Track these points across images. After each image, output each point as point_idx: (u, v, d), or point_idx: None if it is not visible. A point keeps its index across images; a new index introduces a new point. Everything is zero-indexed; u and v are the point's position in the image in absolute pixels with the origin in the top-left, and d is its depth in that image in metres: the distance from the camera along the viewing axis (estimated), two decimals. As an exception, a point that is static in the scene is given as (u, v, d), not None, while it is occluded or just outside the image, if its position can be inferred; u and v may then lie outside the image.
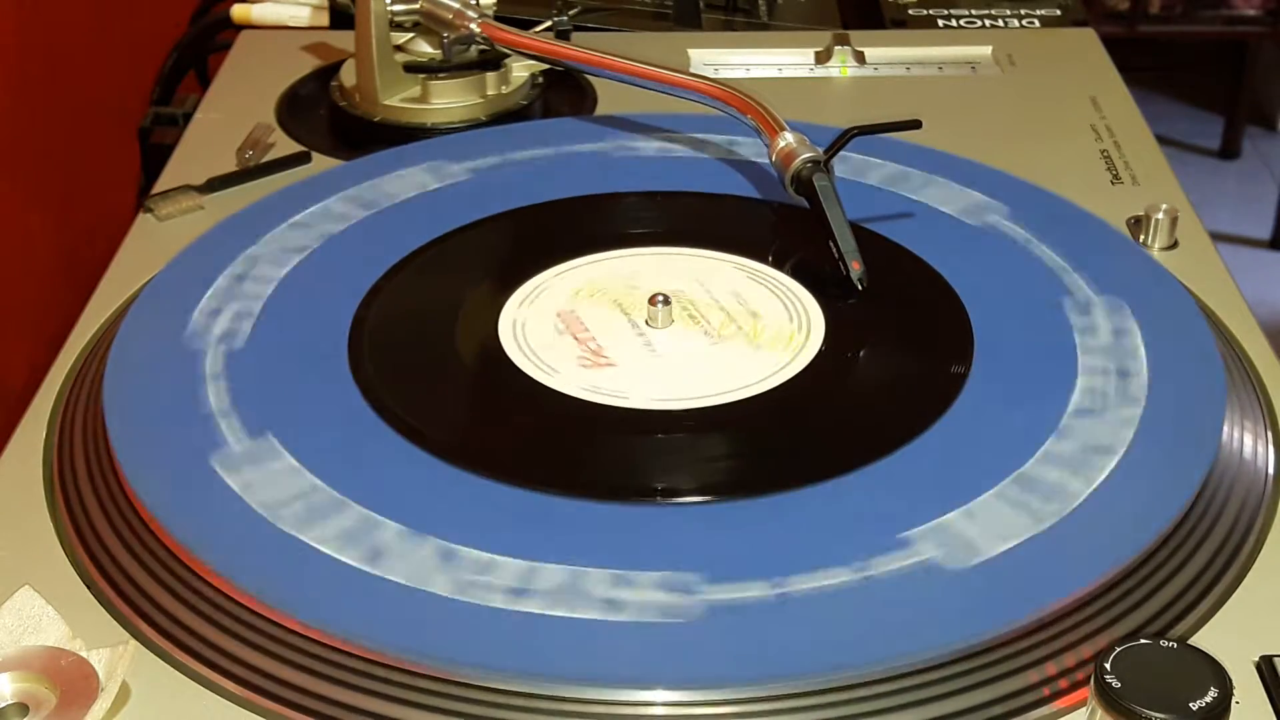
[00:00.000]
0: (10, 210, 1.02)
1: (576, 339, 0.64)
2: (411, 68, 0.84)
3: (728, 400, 0.61)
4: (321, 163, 0.81)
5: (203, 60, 1.02)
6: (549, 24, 0.89)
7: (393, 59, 0.84)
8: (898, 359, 0.64)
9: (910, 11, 1.02)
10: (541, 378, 0.62)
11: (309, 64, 0.92)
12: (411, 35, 0.85)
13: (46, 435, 0.62)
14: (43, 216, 1.05)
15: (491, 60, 0.84)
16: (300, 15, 0.94)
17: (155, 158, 0.87)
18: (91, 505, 0.57)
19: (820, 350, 0.63)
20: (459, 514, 0.54)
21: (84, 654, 0.49)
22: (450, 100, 0.84)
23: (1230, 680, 0.45)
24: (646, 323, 0.65)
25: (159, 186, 0.79)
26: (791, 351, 0.63)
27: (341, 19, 0.90)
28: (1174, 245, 0.74)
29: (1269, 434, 0.61)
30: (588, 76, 0.89)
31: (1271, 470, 0.59)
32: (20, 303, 0.98)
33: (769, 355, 0.63)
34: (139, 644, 0.51)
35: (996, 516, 0.54)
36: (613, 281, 0.69)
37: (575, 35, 0.90)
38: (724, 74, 0.93)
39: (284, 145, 0.83)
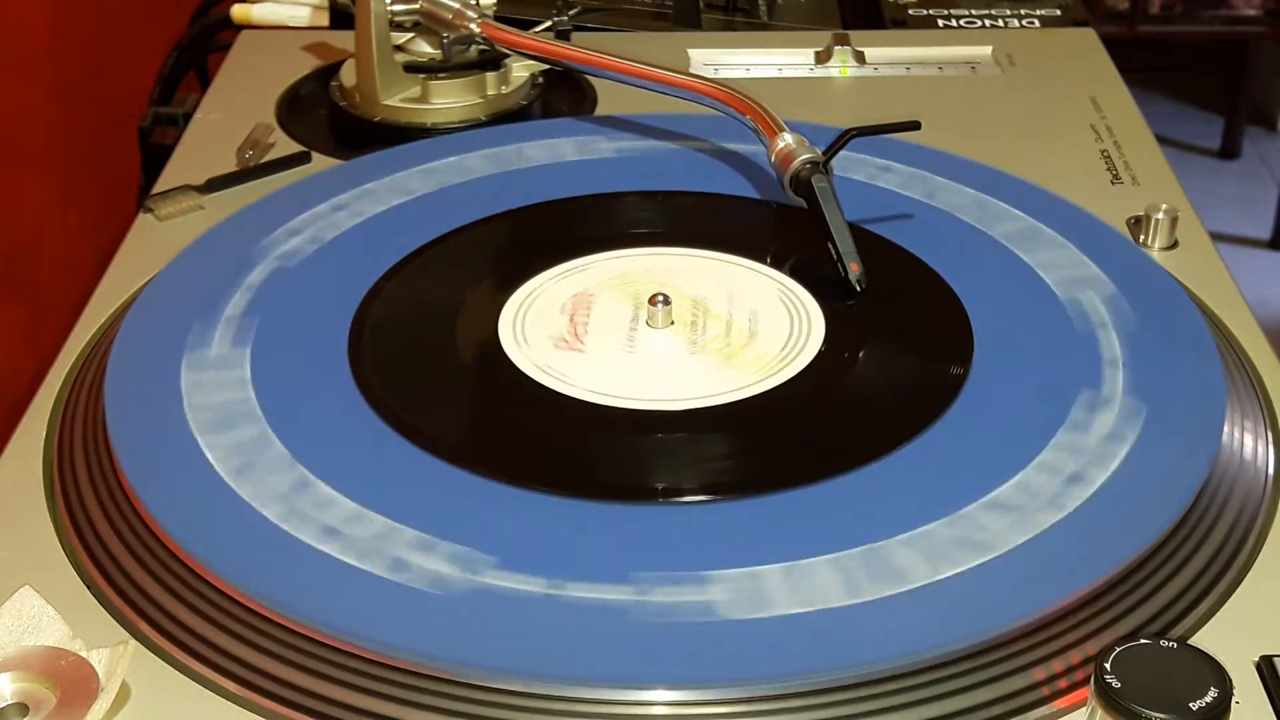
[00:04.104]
0: (49, 208, 1.03)
1: (572, 319, 0.65)
2: (411, 68, 0.84)
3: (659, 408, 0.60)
4: (321, 162, 0.81)
5: (203, 60, 1.02)
6: (549, 24, 0.89)
7: (393, 59, 0.84)
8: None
9: (910, 11, 1.02)
10: (508, 347, 0.63)
11: (309, 64, 0.92)
12: (411, 35, 0.85)
13: (46, 435, 0.62)
14: (81, 214, 1.05)
15: (491, 60, 0.84)
16: (300, 15, 0.95)
17: (155, 158, 0.87)
18: (91, 505, 0.57)
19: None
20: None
21: (84, 654, 0.49)
22: (450, 100, 0.84)
23: (1230, 680, 0.45)
24: (647, 322, 0.65)
25: (159, 186, 0.79)
26: (759, 375, 0.62)
27: (341, 19, 0.90)
28: (1174, 245, 0.74)
29: (1269, 434, 0.61)
30: (588, 76, 0.89)
31: (1271, 470, 0.59)
32: (60, 299, 0.99)
33: (736, 374, 0.62)
34: (139, 644, 0.51)
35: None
36: (645, 277, 0.69)
37: (575, 35, 0.90)
38: (724, 74, 0.93)
39: (284, 145, 0.83)
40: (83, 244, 1.05)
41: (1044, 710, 0.49)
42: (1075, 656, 0.50)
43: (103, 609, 0.53)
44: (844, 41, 0.94)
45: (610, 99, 0.87)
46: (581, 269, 0.70)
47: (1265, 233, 2.33)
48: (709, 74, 0.88)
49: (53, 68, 1.02)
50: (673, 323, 0.65)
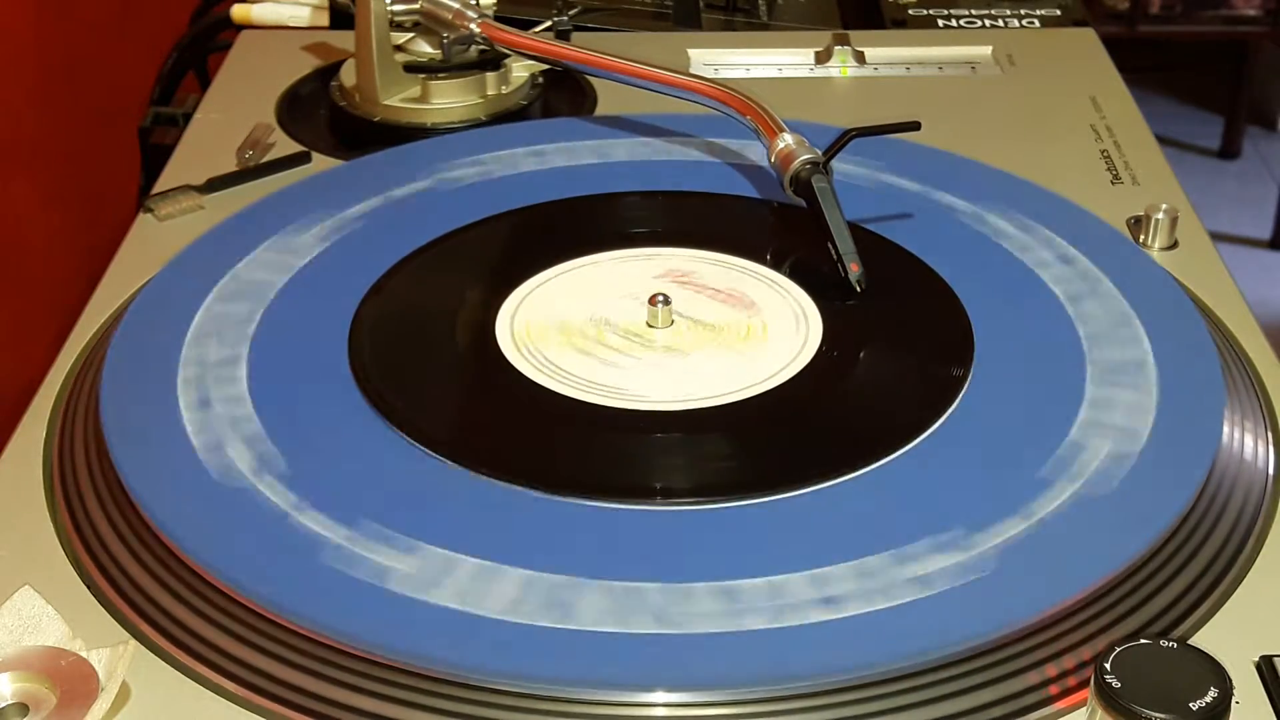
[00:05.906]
0: (32, 210, 1.03)
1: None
2: (411, 68, 0.84)
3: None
4: (321, 162, 0.81)
5: (203, 60, 1.02)
6: (549, 24, 0.89)
7: (393, 59, 0.84)
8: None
9: (910, 11, 1.02)
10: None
11: (309, 64, 0.92)
12: (411, 35, 0.85)
13: (46, 435, 0.62)
14: (64, 216, 1.05)
15: (491, 60, 0.84)
16: (300, 15, 0.95)
17: (155, 158, 0.87)
18: (91, 505, 0.57)
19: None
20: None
21: (84, 654, 0.49)
22: (450, 100, 0.84)
23: (1230, 680, 0.45)
24: (648, 324, 0.65)
25: (159, 186, 0.79)
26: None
27: (341, 19, 0.90)
28: (1174, 245, 0.74)
29: (1269, 434, 0.61)
30: (588, 76, 0.89)
31: (1271, 470, 0.59)
32: (42, 301, 0.99)
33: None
34: (139, 644, 0.51)
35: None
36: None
37: (575, 35, 0.90)
38: (724, 74, 0.93)
39: (284, 145, 0.83)
40: (68, 244, 1.05)
41: (1044, 711, 0.49)
42: (1076, 657, 0.50)
43: (103, 609, 0.53)
44: (844, 41, 0.94)
45: (610, 99, 0.87)
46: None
47: (1265, 233, 2.33)
48: (709, 74, 0.88)
49: (36, 67, 1.02)
50: (673, 321, 0.65)
